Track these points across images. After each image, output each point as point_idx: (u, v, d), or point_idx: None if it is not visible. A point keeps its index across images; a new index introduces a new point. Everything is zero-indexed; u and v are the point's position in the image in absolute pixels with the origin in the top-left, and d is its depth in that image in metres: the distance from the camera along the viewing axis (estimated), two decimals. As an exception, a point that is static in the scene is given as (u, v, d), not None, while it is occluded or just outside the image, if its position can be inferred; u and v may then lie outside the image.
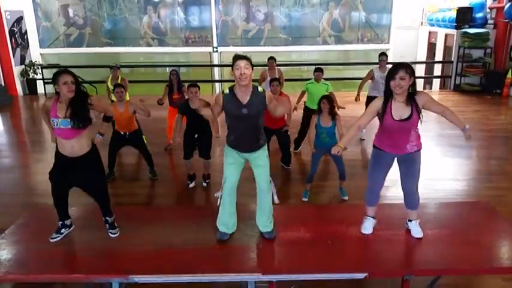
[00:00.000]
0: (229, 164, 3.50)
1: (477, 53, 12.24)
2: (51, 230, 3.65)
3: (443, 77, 13.14)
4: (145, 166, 6.21)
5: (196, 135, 5.49)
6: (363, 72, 7.77)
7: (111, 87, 7.24)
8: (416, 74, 3.51)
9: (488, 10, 12.62)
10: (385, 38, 14.65)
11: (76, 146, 3.38)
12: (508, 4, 11.45)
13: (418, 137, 3.41)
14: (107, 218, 3.69)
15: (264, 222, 3.58)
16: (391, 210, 3.98)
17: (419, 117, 3.25)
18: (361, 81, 7.71)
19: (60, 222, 3.63)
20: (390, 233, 3.64)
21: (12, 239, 3.63)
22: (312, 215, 4.09)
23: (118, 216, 3.78)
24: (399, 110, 3.23)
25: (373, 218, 3.67)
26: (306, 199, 5.29)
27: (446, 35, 13.00)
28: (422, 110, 3.25)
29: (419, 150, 3.41)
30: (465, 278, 3.79)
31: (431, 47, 14.18)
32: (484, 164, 6.75)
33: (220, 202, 3.60)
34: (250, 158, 3.50)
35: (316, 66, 6.90)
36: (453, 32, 12.35)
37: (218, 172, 5.79)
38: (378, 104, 3.32)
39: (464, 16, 12.18)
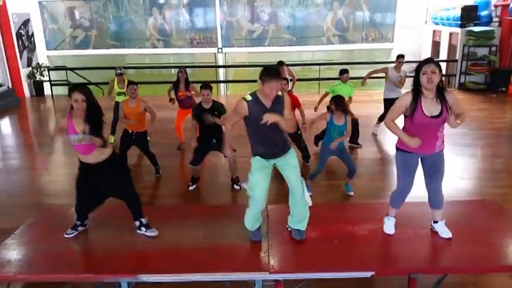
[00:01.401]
0: (257, 171, 3.42)
1: (482, 51, 12.17)
2: (60, 230, 3.71)
3: (447, 76, 13.08)
4: (150, 167, 6.26)
5: (214, 140, 5.32)
6: (367, 71, 7.76)
7: (117, 90, 7.29)
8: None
9: (493, 8, 12.55)
10: (389, 37, 14.65)
11: (97, 155, 3.50)
12: (514, 2, 11.40)
13: (443, 135, 3.39)
14: (141, 220, 3.71)
15: (297, 219, 3.56)
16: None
17: (449, 114, 3.22)
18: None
19: (79, 222, 3.75)
20: (397, 231, 3.64)
21: (22, 240, 3.67)
22: (319, 213, 4.08)
23: (125, 217, 3.81)
24: (430, 107, 3.21)
25: (395, 217, 3.68)
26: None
27: (450, 34, 12.94)
28: None
29: (443, 149, 3.43)
30: (472, 276, 3.78)
31: (436, 46, 14.12)
32: (489, 162, 6.74)
33: (248, 191, 3.52)
34: (280, 162, 3.45)
35: (342, 68, 6.80)
36: (458, 30, 12.30)
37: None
38: (406, 100, 3.28)
39: (469, 14, 12.14)
